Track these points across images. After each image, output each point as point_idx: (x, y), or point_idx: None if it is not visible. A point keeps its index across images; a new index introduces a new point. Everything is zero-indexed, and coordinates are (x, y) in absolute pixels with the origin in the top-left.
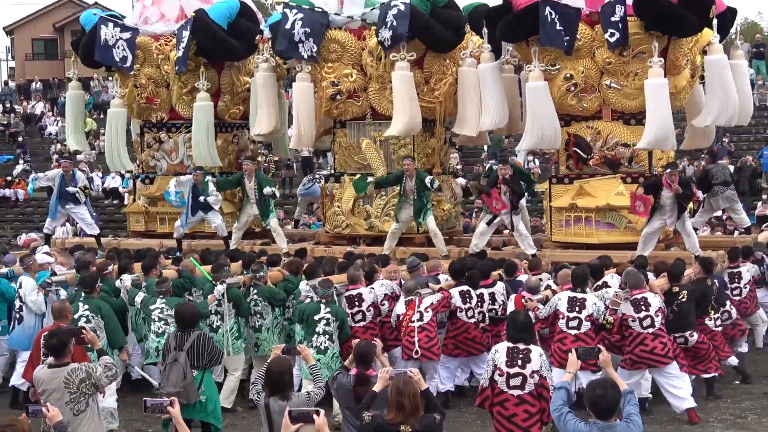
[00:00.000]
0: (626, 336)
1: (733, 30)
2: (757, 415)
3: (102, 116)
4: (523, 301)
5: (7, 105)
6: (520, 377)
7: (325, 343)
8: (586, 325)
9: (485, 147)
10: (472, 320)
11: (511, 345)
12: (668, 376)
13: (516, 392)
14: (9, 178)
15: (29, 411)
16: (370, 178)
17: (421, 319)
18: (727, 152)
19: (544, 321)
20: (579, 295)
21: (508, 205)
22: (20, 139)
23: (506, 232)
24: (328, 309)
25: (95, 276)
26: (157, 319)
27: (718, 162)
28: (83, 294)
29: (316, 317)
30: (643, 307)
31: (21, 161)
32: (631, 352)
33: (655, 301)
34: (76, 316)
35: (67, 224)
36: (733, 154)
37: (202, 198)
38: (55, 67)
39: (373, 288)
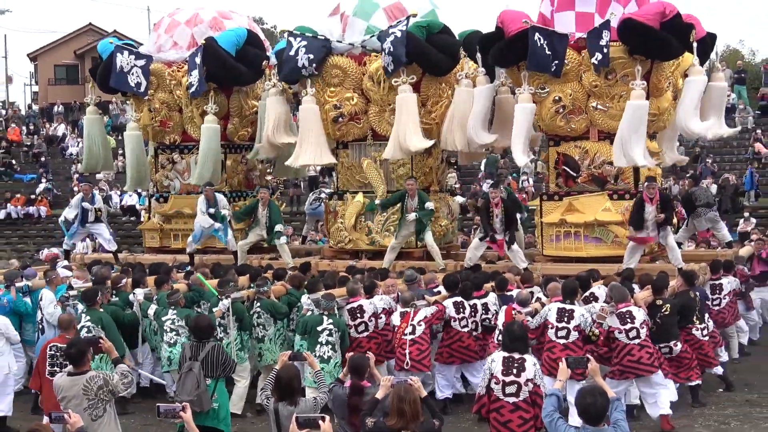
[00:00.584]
0: (613, 348)
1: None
2: (740, 421)
3: (120, 137)
4: (513, 313)
5: (31, 127)
6: (515, 385)
7: (328, 352)
8: (574, 335)
9: (482, 167)
10: (466, 329)
11: (506, 354)
12: (653, 384)
13: (511, 399)
14: (32, 196)
15: (52, 417)
16: (377, 201)
17: (413, 332)
18: (710, 172)
19: (534, 332)
20: (568, 306)
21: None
22: (43, 159)
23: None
24: (330, 320)
25: (96, 290)
26: (168, 329)
27: (700, 185)
28: (86, 306)
29: (319, 328)
30: (628, 320)
31: (44, 180)
32: (619, 363)
33: (640, 314)
34: (78, 327)
35: (87, 239)
36: (716, 174)
37: (212, 210)
38: (76, 92)
39: (372, 301)
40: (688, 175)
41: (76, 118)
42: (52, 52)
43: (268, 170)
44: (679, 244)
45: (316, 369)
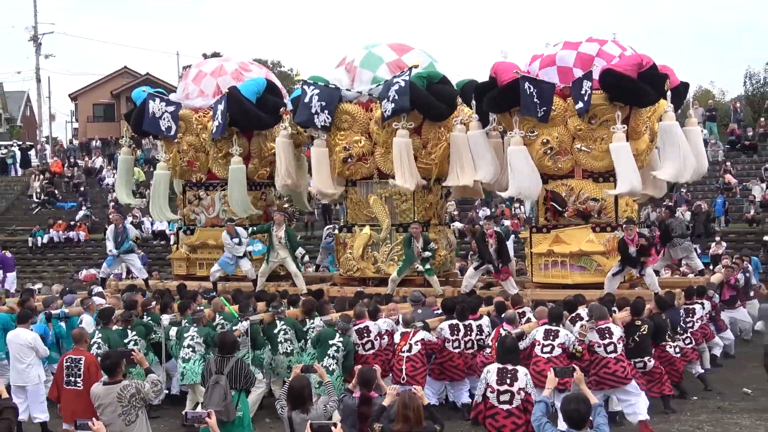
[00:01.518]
0: (592, 360)
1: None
2: (713, 426)
3: (152, 170)
4: (501, 331)
5: (72, 160)
6: (509, 393)
7: (332, 365)
8: (558, 351)
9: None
10: (457, 350)
11: (500, 366)
12: (628, 393)
13: (505, 407)
14: (72, 222)
15: (77, 424)
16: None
17: (410, 350)
18: (685, 200)
19: (522, 352)
20: (554, 328)
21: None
22: (82, 188)
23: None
24: (340, 339)
25: (112, 309)
26: (186, 345)
27: (676, 216)
28: (101, 324)
29: (330, 342)
30: (607, 335)
31: (83, 208)
32: (596, 374)
33: (617, 331)
34: (91, 342)
35: (123, 264)
36: (690, 201)
37: (237, 240)
38: (112, 128)
39: (377, 323)
40: (664, 203)
41: (112, 152)
42: (91, 92)
43: (284, 205)
44: (657, 272)
45: (326, 380)
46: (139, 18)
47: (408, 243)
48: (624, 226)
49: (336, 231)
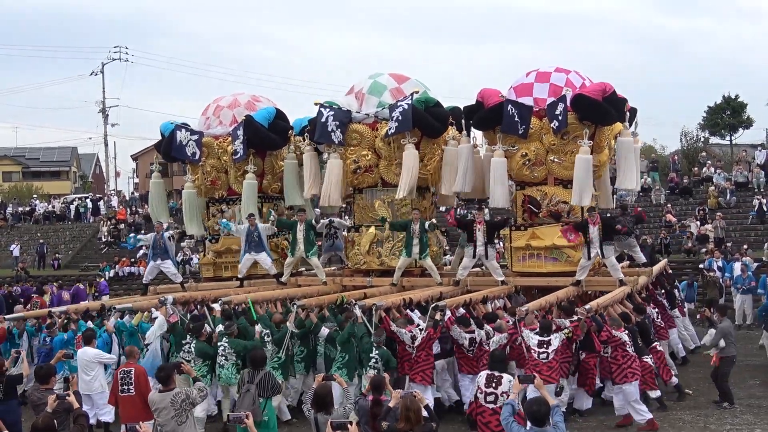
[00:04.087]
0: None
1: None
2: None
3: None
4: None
5: (133, 208)
6: (494, 395)
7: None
8: (552, 355)
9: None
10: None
11: (489, 372)
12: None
13: (491, 405)
14: (133, 260)
15: (128, 428)
16: (388, 220)
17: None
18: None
19: (513, 353)
20: (546, 338)
21: (482, 243)
22: (142, 231)
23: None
24: (378, 352)
25: (202, 324)
26: (219, 353)
27: (626, 214)
28: (195, 338)
29: (371, 355)
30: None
31: (143, 248)
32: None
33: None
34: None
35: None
36: (638, 236)
37: (256, 234)
38: (166, 182)
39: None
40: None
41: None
42: (149, 153)
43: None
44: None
45: (344, 386)
46: (188, 96)
47: (405, 226)
48: (588, 213)
49: (333, 234)
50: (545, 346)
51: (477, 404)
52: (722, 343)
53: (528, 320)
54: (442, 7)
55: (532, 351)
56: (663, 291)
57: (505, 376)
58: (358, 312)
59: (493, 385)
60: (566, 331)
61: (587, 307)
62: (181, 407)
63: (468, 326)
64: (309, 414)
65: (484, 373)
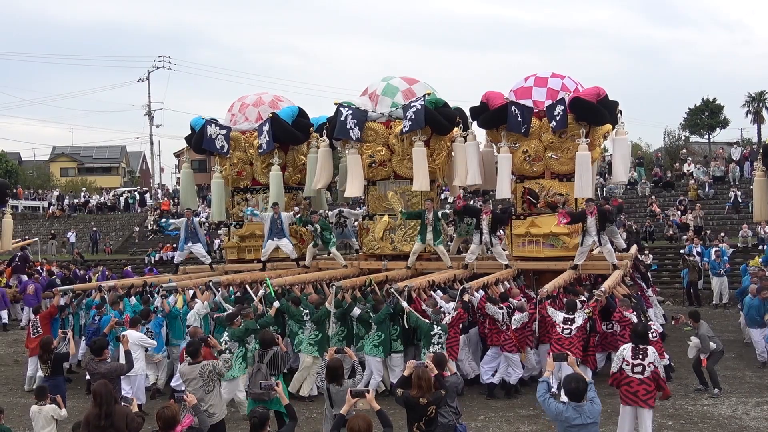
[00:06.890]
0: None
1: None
2: None
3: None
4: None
5: (176, 200)
6: (641, 366)
7: (439, 350)
8: (574, 332)
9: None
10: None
11: (633, 345)
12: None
13: (638, 376)
14: (175, 245)
15: (176, 398)
16: (403, 210)
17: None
18: (622, 224)
19: (542, 330)
20: (569, 316)
21: (488, 232)
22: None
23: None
24: (440, 327)
25: (236, 313)
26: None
27: (607, 206)
28: (228, 325)
29: (432, 333)
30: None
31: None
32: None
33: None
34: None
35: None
36: (626, 225)
37: (279, 222)
38: (205, 177)
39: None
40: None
41: (204, 194)
42: (189, 151)
43: (307, 205)
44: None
45: (353, 359)
46: (224, 99)
47: (420, 215)
48: (585, 203)
49: (342, 222)
50: (569, 323)
51: (622, 375)
52: (713, 345)
53: (514, 293)
54: (447, 22)
55: (558, 327)
56: (639, 274)
57: (650, 348)
58: (396, 295)
59: (640, 356)
60: (588, 311)
61: (603, 289)
62: (209, 377)
63: (497, 303)
64: (321, 385)
65: (628, 346)
